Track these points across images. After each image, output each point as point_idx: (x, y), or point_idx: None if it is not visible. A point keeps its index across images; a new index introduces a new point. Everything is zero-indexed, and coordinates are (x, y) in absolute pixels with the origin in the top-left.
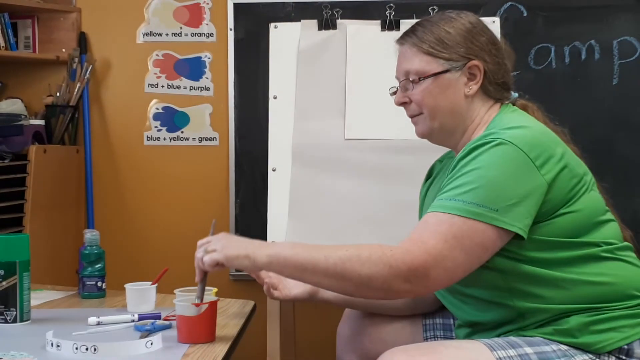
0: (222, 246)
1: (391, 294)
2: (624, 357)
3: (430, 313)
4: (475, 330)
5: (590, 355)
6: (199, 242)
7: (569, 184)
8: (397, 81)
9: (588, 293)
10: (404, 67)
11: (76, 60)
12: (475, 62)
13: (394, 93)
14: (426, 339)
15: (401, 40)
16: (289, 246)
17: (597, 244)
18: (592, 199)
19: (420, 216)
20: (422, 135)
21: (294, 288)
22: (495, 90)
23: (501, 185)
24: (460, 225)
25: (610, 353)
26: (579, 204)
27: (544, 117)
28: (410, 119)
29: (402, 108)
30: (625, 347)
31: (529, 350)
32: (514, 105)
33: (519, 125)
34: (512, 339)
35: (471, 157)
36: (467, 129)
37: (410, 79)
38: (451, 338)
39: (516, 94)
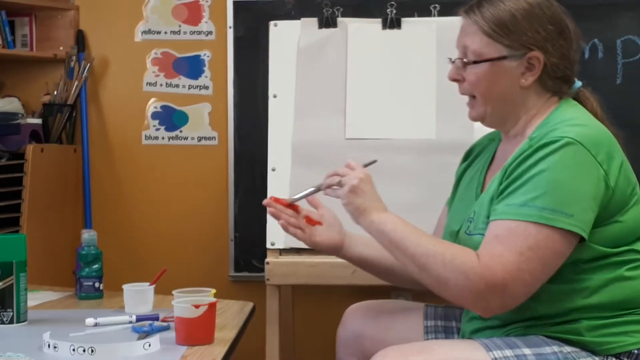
0: (349, 190)
1: (466, 305)
2: None
3: (431, 316)
4: (485, 326)
5: (596, 358)
6: (352, 164)
7: (625, 192)
8: (456, 51)
9: (609, 299)
10: (463, 41)
11: (74, 58)
12: (536, 53)
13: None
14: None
15: (465, 13)
16: (392, 222)
17: (636, 251)
18: (638, 212)
19: (452, 198)
20: (474, 119)
21: (321, 236)
22: (553, 84)
23: (574, 189)
24: (535, 234)
25: (618, 357)
26: (628, 214)
27: (602, 112)
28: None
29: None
30: (635, 351)
31: (527, 351)
32: (575, 97)
33: (582, 124)
34: (511, 338)
35: (538, 157)
36: (521, 118)
37: (465, 60)
38: None
39: (579, 83)
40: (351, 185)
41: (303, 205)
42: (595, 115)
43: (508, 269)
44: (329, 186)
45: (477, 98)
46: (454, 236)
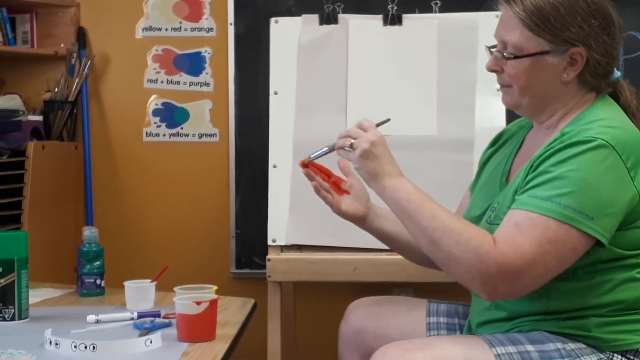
0: (360, 155)
1: (472, 286)
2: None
3: (434, 312)
4: (493, 318)
5: (600, 355)
6: (364, 124)
7: None
8: (493, 39)
9: (620, 298)
10: (502, 35)
11: (75, 55)
12: (579, 49)
13: (491, 49)
14: None
15: (506, 3)
16: (406, 191)
17: None
18: None
19: (475, 183)
20: (507, 106)
21: (347, 206)
22: (592, 80)
23: (600, 193)
24: (556, 229)
25: (623, 354)
26: None
27: (636, 105)
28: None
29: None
30: None
31: (530, 347)
32: (612, 91)
33: (616, 126)
34: (514, 334)
35: (569, 154)
36: (557, 112)
37: (505, 54)
38: None
39: (618, 74)
40: (362, 149)
41: (334, 171)
42: (627, 108)
43: (525, 258)
44: (341, 147)
45: (514, 88)
46: (474, 222)
